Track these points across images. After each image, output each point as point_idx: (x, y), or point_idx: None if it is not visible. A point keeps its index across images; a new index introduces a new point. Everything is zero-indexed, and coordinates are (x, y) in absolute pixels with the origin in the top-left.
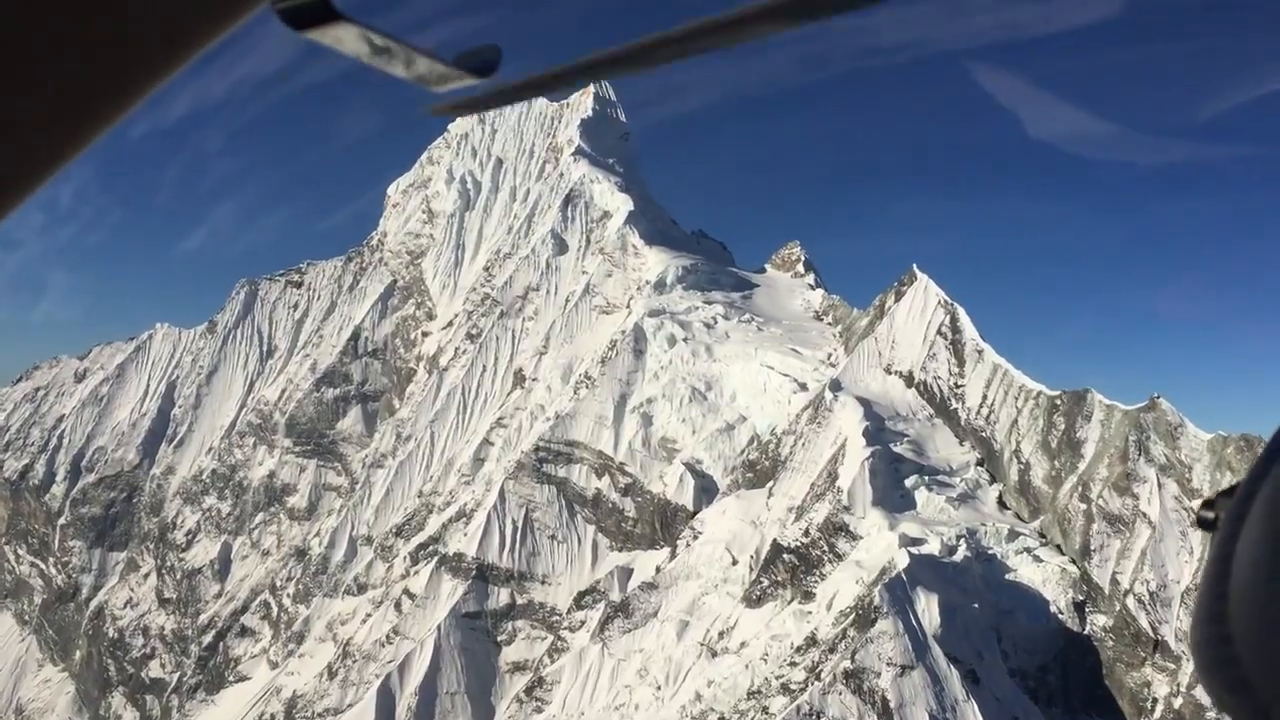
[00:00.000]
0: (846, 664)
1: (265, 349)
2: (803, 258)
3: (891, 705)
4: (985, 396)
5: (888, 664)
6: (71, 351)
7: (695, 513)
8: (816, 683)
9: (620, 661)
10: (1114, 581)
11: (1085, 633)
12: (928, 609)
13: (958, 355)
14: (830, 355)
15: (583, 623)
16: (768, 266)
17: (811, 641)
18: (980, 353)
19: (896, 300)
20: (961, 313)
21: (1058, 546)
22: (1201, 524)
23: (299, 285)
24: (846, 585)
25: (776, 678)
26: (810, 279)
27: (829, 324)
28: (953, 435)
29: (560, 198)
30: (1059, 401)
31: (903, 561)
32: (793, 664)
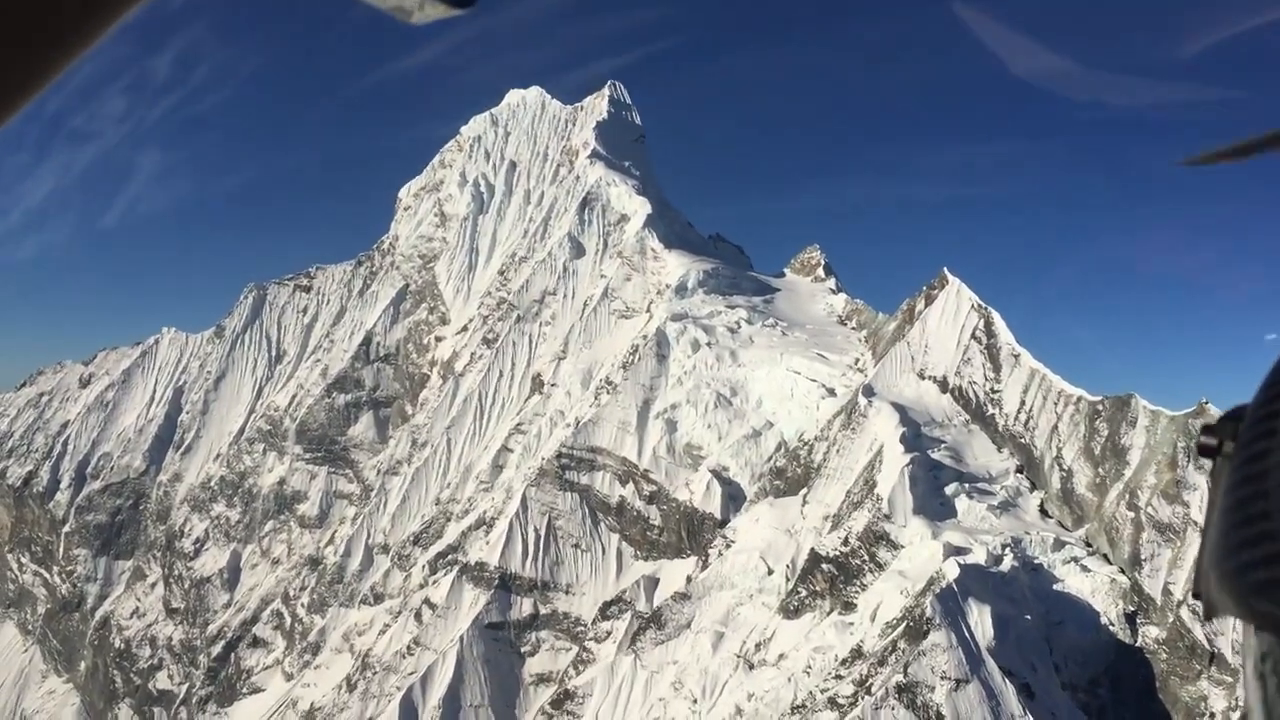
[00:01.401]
0: (899, 677)
1: (274, 354)
2: (822, 261)
3: None
4: (1023, 402)
5: (941, 677)
6: (75, 356)
7: (723, 521)
8: (867, 697)
9: (654, 674)
10: (1166, 592)
11: (1137, 645)
12: (980, 621)
13: (993, 360)
14: (858, 360)
15: (609, 633)
16: (786, 271)
17: (857, 654)
18: (1017, 357)
19: (927, 304)
20: (996, 317)
21: (1105, 556)
22: (1203, 451)
23: (308, 290)
24: (891, 596)
25: (821, 691)
26: (831, 283)
27: (853, 329)
28: (990, 442)
29: (577, 201)
30: (1101, 407)
31: (952, 571)
32: (838, 677)
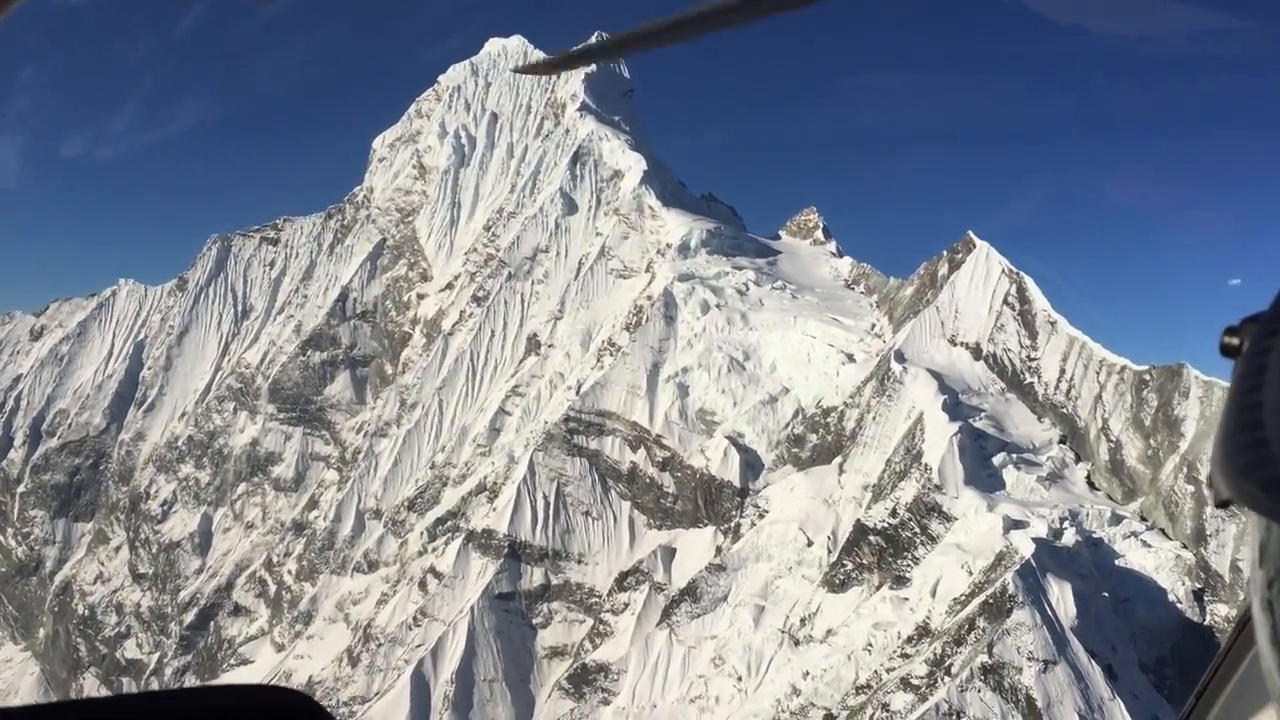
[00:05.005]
0: (983, 658)
1: (240, 309)
2: (821, 224)
3: (1039, 704)
4: (1063, 370)
5: (1029, 658)
6: (25, 307)
7: (742, 489)
8: (948, 678)
9: (691, 649)
10: (1234, 569)
11: (1206, 623)
12: (1062, 599)
13: (1028, 327)
14: (874, 325)
15: (626, 605)
16: (782, 233)
17: (924, 631)
18: (1053, 324)
19: (951, 268)
20: (1030, 282)
21: (1163, 531)
22: (1225, 350)
23: (275, 242)
24: (951, 570)
25: (888, 670)
26: (832, 246)
27: (862, 293)
28: (1029, 411)
29: (567, 155)
30: (1148, 377)
31: (1026, 547)
32: (905, 656)
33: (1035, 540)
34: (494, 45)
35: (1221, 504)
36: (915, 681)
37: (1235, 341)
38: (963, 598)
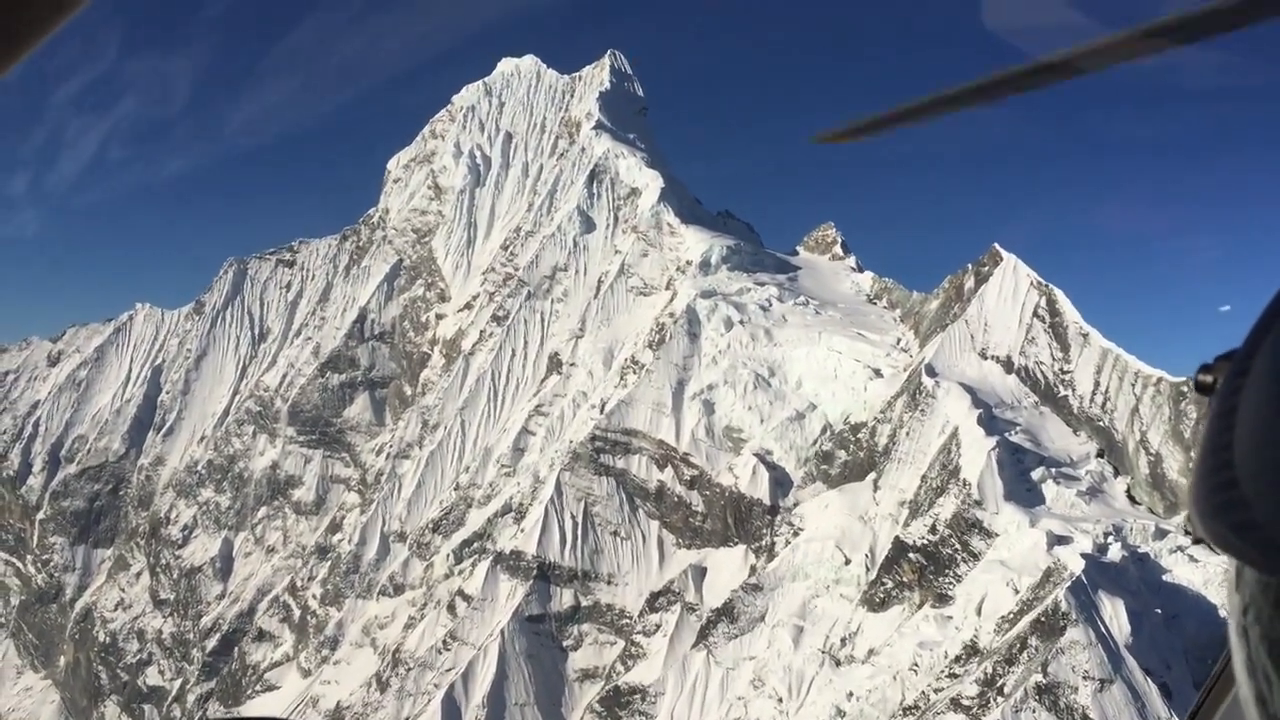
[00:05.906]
0: (1038, 677)
1: (258, 332)
2: (839, 239)
3: None
4: (1098, 383)
5: (1084, 677)
6: (42, 333)
7: (773, 507)
8: (1001, 699)
9: (729, 670)
10: None
11: None
12: (1115, 615)
13: (1059, 339)
14: (900, 340)
15: (658, 626)
16: (800, 249)
17: (972, 650)
18: (1085, 336)
19: (977, 281)
20: (1060, 294)
21: (1209, 545)
22: (1199, 388)
23: (291, 264)
24: (996, 588)
25: (936, 691)
26: (852, 260)
27: (885, 307)
28: (1064, 425)
29: (584, 174)
30: (1185, 389)
31: (1075, 563)
32: (953, 676)
33: (1084, 556)
34: (507, 65)
35: (1197, 540)
36: (966, 702)
37: (1209, 379)
38: (1011, 615)
